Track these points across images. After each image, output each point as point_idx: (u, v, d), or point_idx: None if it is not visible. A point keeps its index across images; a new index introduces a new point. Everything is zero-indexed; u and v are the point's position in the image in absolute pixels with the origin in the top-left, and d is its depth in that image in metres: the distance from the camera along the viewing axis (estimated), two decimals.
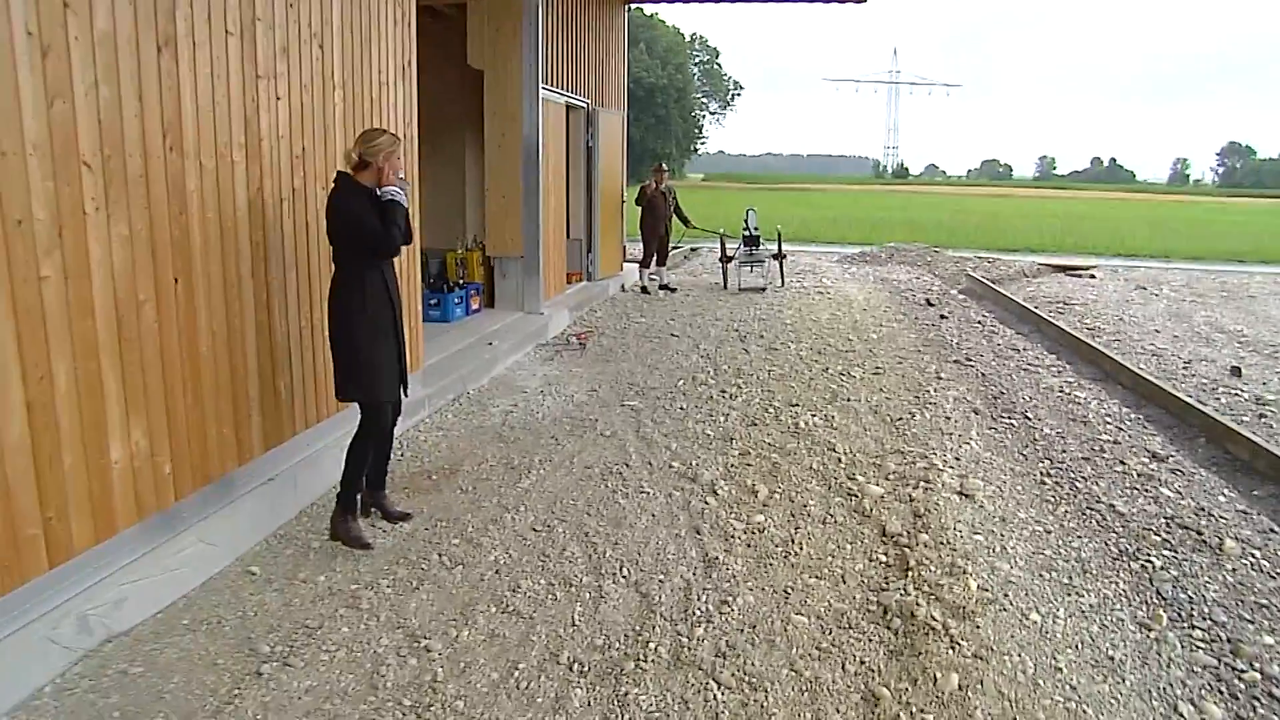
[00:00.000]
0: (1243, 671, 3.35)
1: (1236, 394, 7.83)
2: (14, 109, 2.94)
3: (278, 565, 4.11)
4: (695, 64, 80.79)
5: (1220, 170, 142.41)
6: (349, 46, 5.17)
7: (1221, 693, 3.23)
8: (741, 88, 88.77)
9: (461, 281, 9.44)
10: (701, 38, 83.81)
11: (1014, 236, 26.27)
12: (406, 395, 4.56)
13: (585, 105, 11.48)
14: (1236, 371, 8.65)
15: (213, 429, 4.08)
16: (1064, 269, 17.67)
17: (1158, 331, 10.93)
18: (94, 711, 3.01)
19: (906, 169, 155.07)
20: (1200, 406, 7.10)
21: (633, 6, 14.20)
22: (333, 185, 4.17)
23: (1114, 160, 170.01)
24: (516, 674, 3.25)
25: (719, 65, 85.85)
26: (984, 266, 17.68)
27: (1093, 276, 16.71)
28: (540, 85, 9.44)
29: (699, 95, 79.51)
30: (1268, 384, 8.21)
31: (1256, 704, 3.17)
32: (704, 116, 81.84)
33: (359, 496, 4.46)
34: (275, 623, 3.60)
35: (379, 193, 4.11)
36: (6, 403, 2.98)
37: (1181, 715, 3.04)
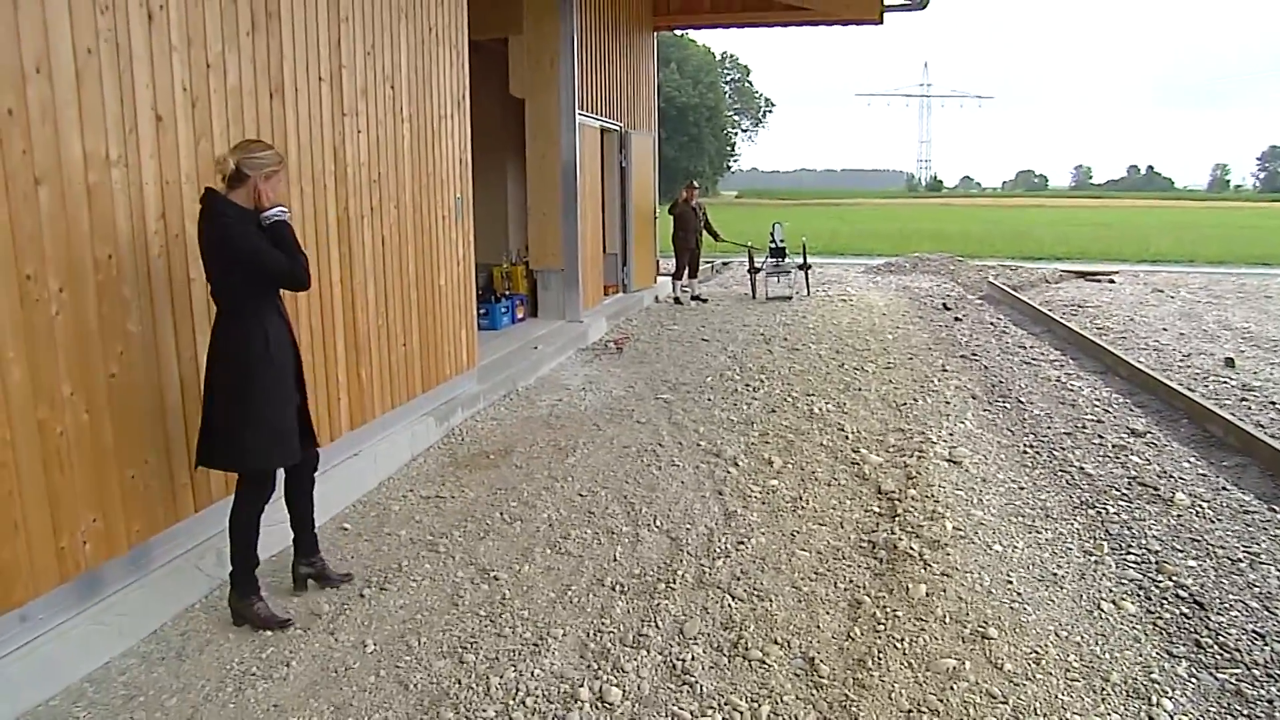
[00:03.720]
0: (1160, 582, 4.05)
1: (1226, 382, 8.41)
2: (174, 149, 3.80)
3: (365, 523, 4.91)
4: (726, 82, 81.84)
5: (1262, 175, 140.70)
6: (414, 86, 6.01)
7: (1139, 596, 3.93)
8: (773, 105, 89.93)
9: (507, 293, 10.29)
10: (732, 56, 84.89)
11: (1041, 245, 26.65)
12: (317, 446, 4.09)
13: (618, 128, 12.31)
14: (1230, 363, 9.20)
15: (309, 409, 4.90)
16: (1084, 274, 18.15)
17: (1164, 330, 11.46)
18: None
19: (940, 182, 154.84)
20: (1187, 392, 7.69)
21: (660, 31, 15.07)
22: (203, 206, 3.49)
23: (1151, 168, 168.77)
24: (570, 593, 4.01)
25: (750, 83, 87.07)
26: (1006, 274, 18.18)
27: (1112, 281, 17.14)
28: (576, 111, 10.27)
29: (731, 113, 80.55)
30: (1258, 373, 8.77)
31: (1165, 603, 3.87)
32: (736, 134, 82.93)
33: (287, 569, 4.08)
34: (369, 562, 4.40)
35: (261, 216, 3.51)
36: (170, 377, 3.82)
37: (1102, 610, 3.75)
